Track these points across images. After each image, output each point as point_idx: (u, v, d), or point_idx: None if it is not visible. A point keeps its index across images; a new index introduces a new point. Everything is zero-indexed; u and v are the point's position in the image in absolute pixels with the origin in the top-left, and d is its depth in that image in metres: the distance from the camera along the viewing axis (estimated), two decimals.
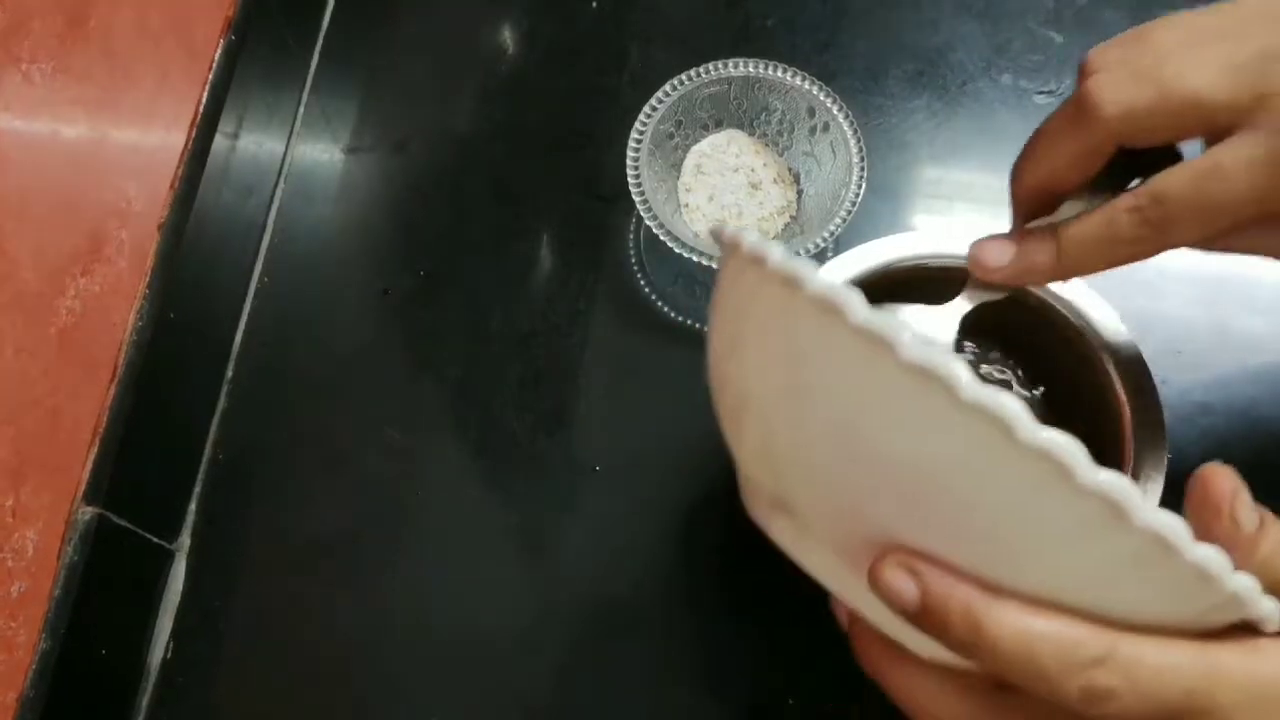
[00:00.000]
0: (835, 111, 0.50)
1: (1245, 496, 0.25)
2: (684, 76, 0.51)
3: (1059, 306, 0.42)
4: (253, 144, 0.54)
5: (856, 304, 0.22)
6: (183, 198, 0.49)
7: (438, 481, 0.51)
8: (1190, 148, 0.33)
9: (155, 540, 0.48)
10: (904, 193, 0.55)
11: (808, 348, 0.24)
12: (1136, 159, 0.33)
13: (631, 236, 0.55)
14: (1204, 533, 0.25)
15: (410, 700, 0.47)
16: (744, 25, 0.59)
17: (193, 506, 0.51)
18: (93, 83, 0.44)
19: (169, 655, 0.48)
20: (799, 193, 0.53)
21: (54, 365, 0.42)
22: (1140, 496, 0.21)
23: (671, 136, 0.52)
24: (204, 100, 0.51)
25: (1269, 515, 0.25)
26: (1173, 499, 0.38)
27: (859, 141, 0.49)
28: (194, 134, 0.51)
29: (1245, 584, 0.22)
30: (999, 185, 0.55)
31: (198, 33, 0.51)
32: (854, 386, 0.23)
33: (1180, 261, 0.36)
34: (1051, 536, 0.22)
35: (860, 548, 0.25)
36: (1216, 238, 0.32)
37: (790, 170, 0.53)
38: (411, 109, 0.59)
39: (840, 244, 0.47)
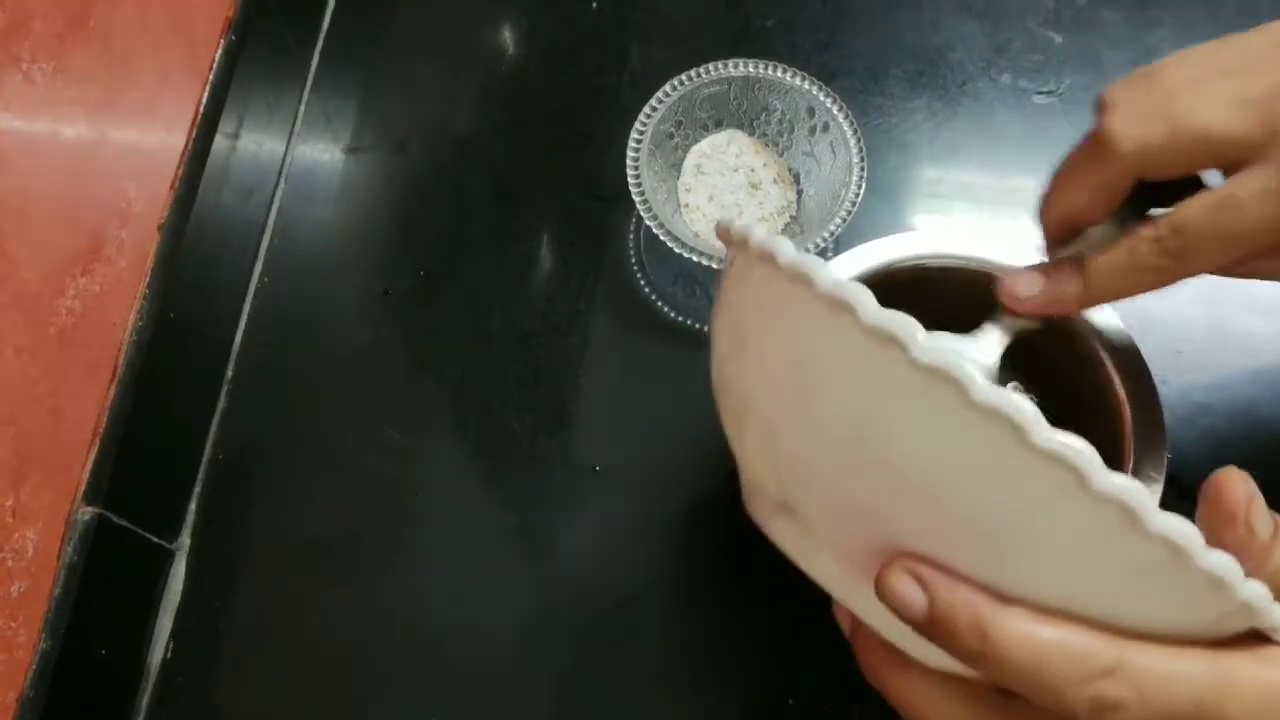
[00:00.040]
0: (835, 111, 0.50)
1: (1260, 503, 0.25)
2: (684, 76, 0.51)
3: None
4: (253, 144, 0.54)
5: (868, 302, 0.22)
6: (183, 198, 0.49)
7: (438, 481, 0.51)
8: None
9: (155, 540, 0.48)
10: (904, 193, 0.55)
11: (816, 346, 0.24)
12: (1160, 185, 0.33)
13: (631, 236, 0.55)
14: (1216, 539, 0.24)
15: (410, 700, 0.47)
16: (744, 25, 0.59)
17: (193, 506, 0.51)
18: (93, 83, 0.44)
19: (169, 655, 0.48)
20: (799, 193, 0.53)
21: (54, 365, 0.42)
22: (1154, 502, 0.21)
23: (671, 136, 0.52)
24: (204, 100, 0.51)
25: None
26: (1173, 498, 0.38)
27: (859, 141, 0.49)
28: (194, 134, 0.51)
29: (1258, 592, 0.22)
30: (999, 185, 0.56)
31: (198, 33, 0.51)
32: (863, 386, 0.23)
33: None
34: (1062, 542, 0.22)
35: (865, 552, 0.24)
36: (1235, 265, 0.33)
37: (790, 170, 0.53)
38: (412, 109, 0.59)
39: (840, 244, 0.47)
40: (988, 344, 0.36)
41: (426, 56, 0.60)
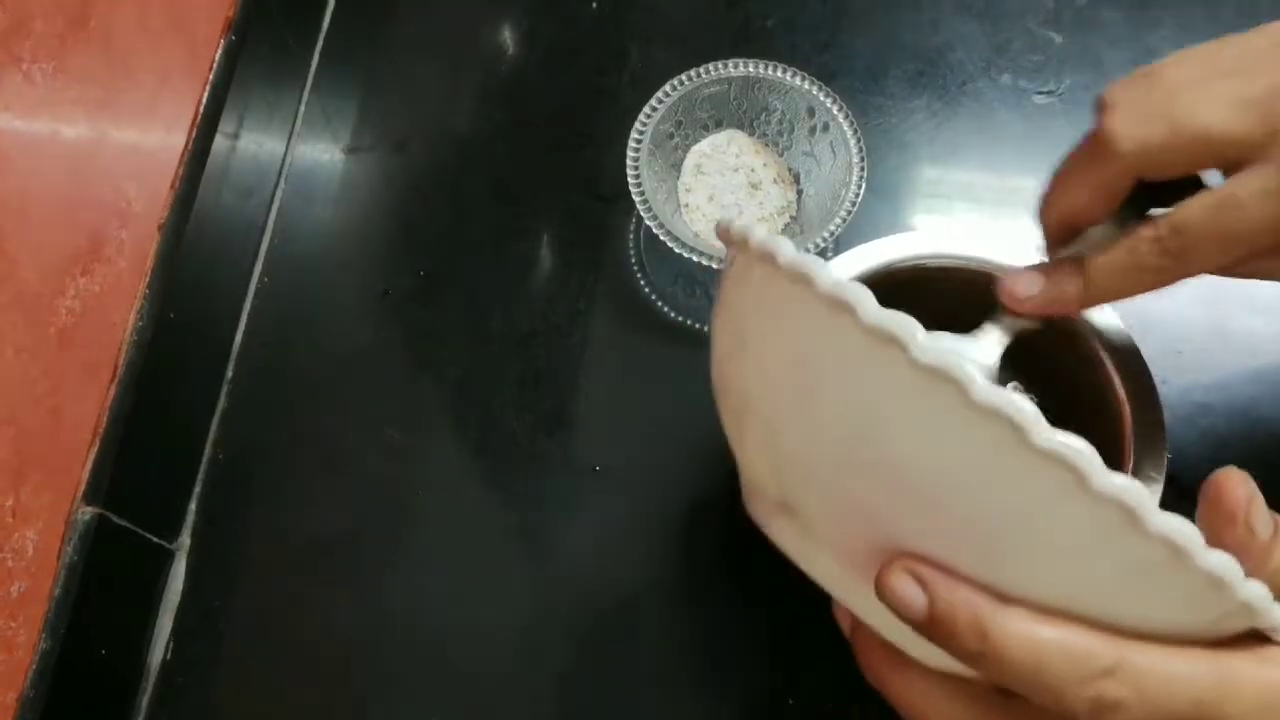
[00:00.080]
0: (835, 111, 0.50)
1: (1260, 503, 0.25)
2: (684, 76, 0.51)
3: None
4: (253, 144, 0.54)
5: (868, 302, 0.22)
6: (183, 198, 0.49)
7: (438, 481, 0.51)
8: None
9: (155, 540, 0.48)
10: (904, 193, 0.55)
11: (816, 346, 0.24)
12: (1160, 185, 0.33)
13: (631, 236, 0.55)
14: (1216, 539, 0.24)
15: (410, 700, 0.47)
16: (744, 25, 0.59)
17: (193, 506, 0.51)
18: (93, 83, 0.44)
19: (169, 655, 0.48)
20: (799, 193, 0.53)
21: (54, 365, 0.42)
22: (1154, 502, 0.21)
23: (671, 136, 0.52)
24: (204, 100, 0.51)
25: None
26: (1173, 498, 0.38)
27: (859, 141, 0.49)
28: (194, 134, 0.51)
29: (1258, 592, 0.22)
30: (999, 185, 0.56)
31: (198, 33, 0.51)
32: (863, 386, 0.23)
33: None
34: (1062, 542, 0.22)
35: (865, 552, 0.24)
36: (1235, 265, 0.33)
37: (790, 170, 0.53)
38: (412, 109, 0.59)
39: (840, 244, 0.47)
40: (988, 344, 0.36)
41: (426, 56, 0.60)
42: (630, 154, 0.49)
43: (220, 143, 0.51)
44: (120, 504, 0.45)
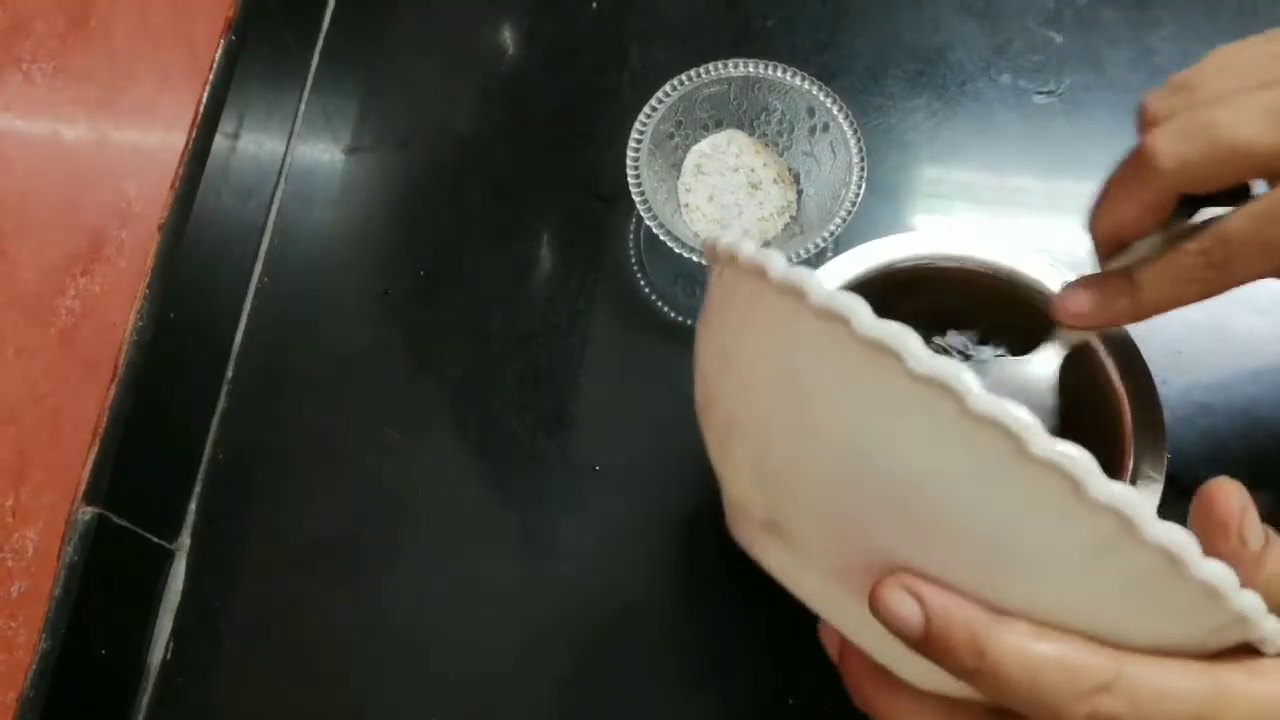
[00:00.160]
0: (835, 111, 0.50)
1: (1253, 513, 0.25)
2: (684, 76, 0.51)
3: None
4: (253, 144, 0.54)
5: (863, 312, 0.22)
6: (183, 198, 0.49)
7: (438, 481, 0.51)
8: None
9: (155, 540, 0.48)
10: (904, 193, 0.55)
11: (810, 359, 0.23)
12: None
13: (631, 236, 0.55)
14: (1208, 549, 0.24)
15: (410, 700, 0.47)
16: (744, 25, 0.59)
17: (193, 506, 0.51)
18: (93, 83, 0.44)
19: (169, 655, 0.48)
20: (799, 193, 0.53)
21: (54, 365, 0.42)
22: (1151, 511, 0.21)
23: (671, 136, 0.52)
24: (204, 100, 0.51)
25: (1274, 534, 0.25)
26: (1173, 497, 0.38)
27: (859, 141, 0.49)
28: (194, 134, 0.51)
29: (1252, 602, 0.22)
30: (999, 185, 0.56)
31: (198, 33, 0.51)
32: (858, 398, 0.23)
33: None
34: (1058, 552, 0.22)
35: (857, 569, 0.24)
36: None
37: (790, 170, 0.53)
38: (412, 109, 0.59)
39: (840, 244, 0.47)
40: (1046, 356, 0.38)
41: (426, 56, 0.60)
42: (630, 154, 0.49)
43: (220, 143, 0.51)
44: (120, 504, 0.45)
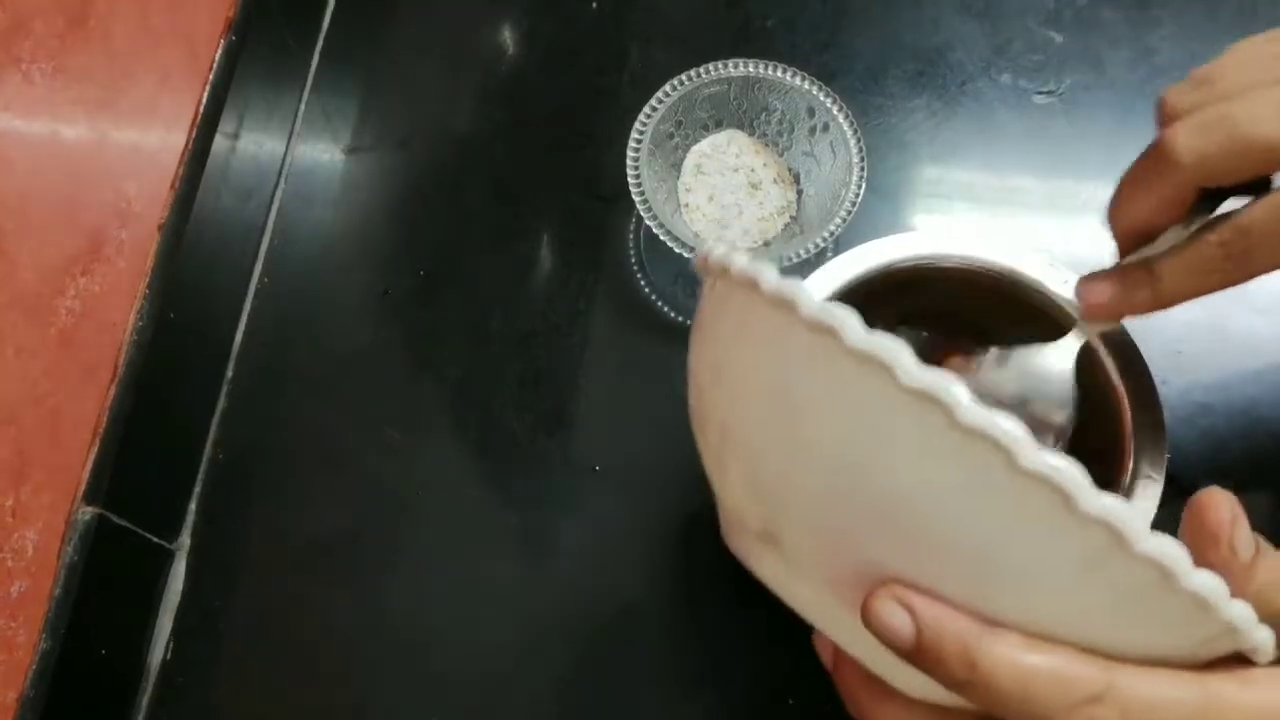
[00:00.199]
0: (835, 111, 0.50)
1: (1243, 523, 0.25)
2: (684, 76, 0.51)
3: (1060, 307, 0.42)
4: (253, 144, 0.54)
5: (853, 325, 0.22)
6: (183, 198, 0.49)
7: (438, 481, 0.51)
8: None
9: (155, 540, 0.48)
10: (904, 193, 0.55)
11: (801, 372, 0.24)
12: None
13: (631, 236, 0.55)
14: (1199, 559, 0.24)
15: (410, 700, 0.47)
16: (744, 25, 0.59)
17: (192, 506, 0.51)
18: (93, 83, 0.44)
19: (169, 655, 0.48)
20: (799, 193, 0.53)
21: (54, 365, 0.42)
22: (1142, 523, 0.21)
23: (671, 136, 0.52)
24: (204, 100, 0.51)
25: (1264, 543, 0.25)
26: (1173, 497, 0.38)
27: (859, 141, 0.49)
28: (194, 134, 0.51)
29: (1242, 613, 0.22)
30: (999, 185, 0.56)
31: (198, 33, 0.51)
32: (849, 410, 0.23)
33: None
34: (1049, 563, 0.22)
35: (851, 581, 0.24)
36: None
37: (790, 170, 0.53)
38: (412, 109, 0.59)
39: (840, 244, 0.47)
40: (1065, 347, 0.38)
41: (426, 56, 0.60)
42: (630, 154, 0.49)
43: (220, 143, 0.51)
44: (120, 504, 0.45)
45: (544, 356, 0.52)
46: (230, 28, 0.53)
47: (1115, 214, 0.36)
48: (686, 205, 0.53)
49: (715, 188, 0.53)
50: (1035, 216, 0.54)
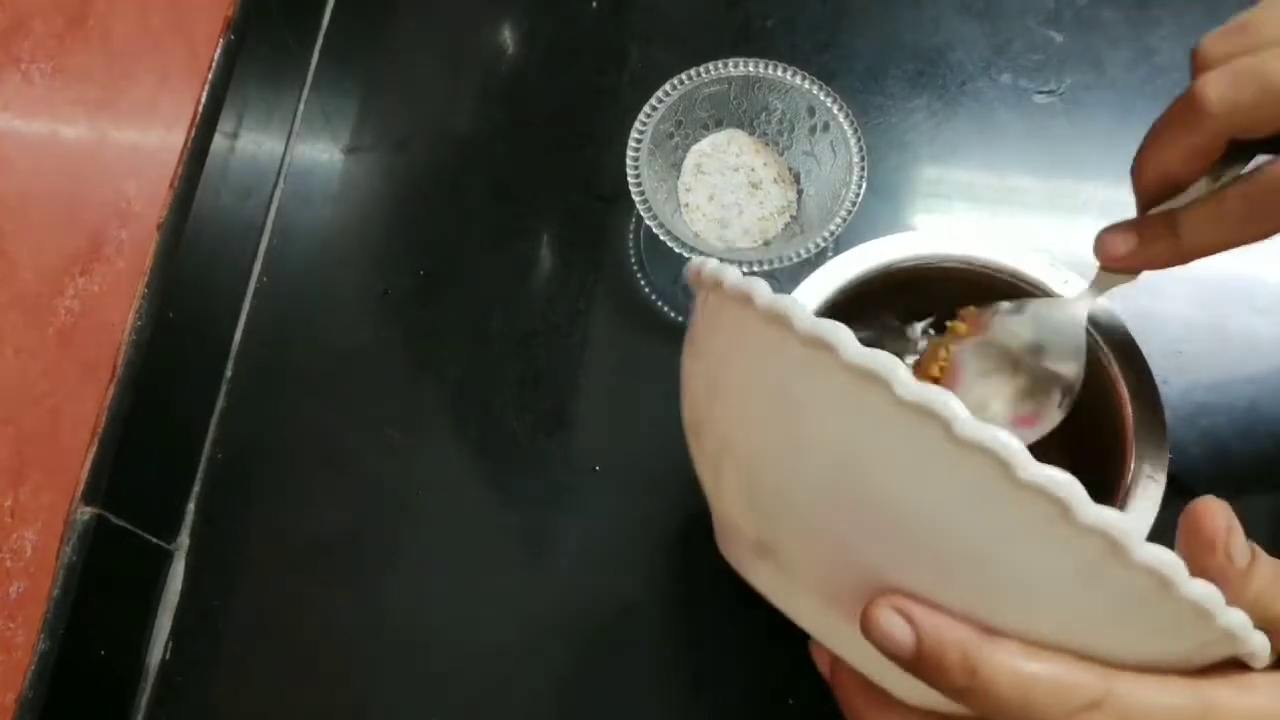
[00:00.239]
0: (835, 111, 0.50)
1: (1238, 531, 0.25)
2: (684, 76, 0.51)
3: None
4: (252, 144, 0.54)
5: (849, 340, 0.22)
6: (182, 197, 0.49)
7: (438, 481, 0.51)
8: None
9: (154, 540, 0.48)
10: (904, 192, 0.55)
11: (797, 386, 0.24)
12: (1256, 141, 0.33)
13: (631, 236, 0.55)
14: (1195, 567, 0.24)
15: (410, 700, 0.47)
16: (744, 25, 0.59)
17: (192, 506, 0.51)
18: (92, 83, 0.44)
19: (168, 655, 0.48)
20: (799, 192, 0.53)
21: (53, 365, 0.42)
22: (1139, 533, 0.21)
23: (671, 136, 0.52)
24: (203, 100, 0.51)
25: (1259, 551, 0.25)
26: (1174, 497, 0.38)
27: (859, 141, 0.49)
28: (193, 134, 0.50)
29: (1239, 619, 0.22)
30: (999, 184, 0.56)
31: (197, 32, 0.51)
32: (846, 425, 0.23)
33: None
34: (1047, 574, 0.22)
35: (849, 591, 0.24)
36: None
37: (790, 170, 0.53)
38: (411, 109, 0.59)
39: (840, 244, 0.47)
40: (1082, 300, 0.38)
41: (426, 56, 0.60)
42: (630, 154, 0.49)
43: (219, 142, 0.51)
44: (119, 504, 0.45)
45: (544, 356, 0.52)
46: (229, 27, 0.53)
47: (1141, 162, 0.36)
48: (686, 205, 0.53)
49: (715, 187, 0.53)
50: (1035, 216, 0.54)
